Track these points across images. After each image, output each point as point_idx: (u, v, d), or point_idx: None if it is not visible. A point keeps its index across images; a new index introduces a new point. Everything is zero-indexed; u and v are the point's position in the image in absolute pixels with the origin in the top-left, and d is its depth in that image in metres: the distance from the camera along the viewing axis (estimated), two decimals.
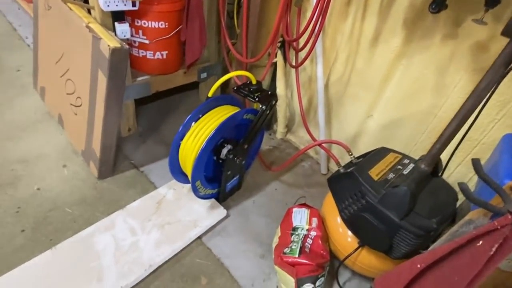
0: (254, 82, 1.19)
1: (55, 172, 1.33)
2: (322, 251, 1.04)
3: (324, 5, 1.11)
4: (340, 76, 1.40)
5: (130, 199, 1.27)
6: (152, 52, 1.41)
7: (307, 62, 1.39)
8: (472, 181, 1.15)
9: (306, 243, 1.06)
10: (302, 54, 1.33)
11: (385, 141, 1.36)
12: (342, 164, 1.12)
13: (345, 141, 1.42)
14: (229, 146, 1.13)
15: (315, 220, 1.13)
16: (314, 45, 1.25)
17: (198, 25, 1.38)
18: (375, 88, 1.30)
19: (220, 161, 1.16)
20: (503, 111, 0.99)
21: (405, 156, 1.08)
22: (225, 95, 1.23)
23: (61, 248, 1.05)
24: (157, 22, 1.32)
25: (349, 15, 1.26)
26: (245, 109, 1.14)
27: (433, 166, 0.90)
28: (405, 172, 0.99)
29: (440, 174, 1.03)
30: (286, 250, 1.04)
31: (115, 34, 1.21)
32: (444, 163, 1.05)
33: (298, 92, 1.46)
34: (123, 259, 1.05)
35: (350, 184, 0.99)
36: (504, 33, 0.69)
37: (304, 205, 1.21)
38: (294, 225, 1.13)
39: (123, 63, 1.12)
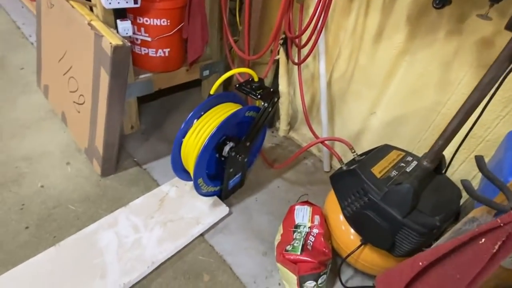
0: (256, 79, 1.19)
1: (59, 169, 1.33)
2: (324, 249, 1.04)
3: (327, 1, 1.10)
4: (343, 73, 1.39)
5: (133, 196, 1.27)
6: (154, 50, 1.41)
7: (309, 59, 1.38)
8: (476, 178, 1.14)
9: (308, 241, 1.05)
10: (305, 51, 1.32)
11: (388, 138, 1.35)
12: (345, 162, 1.11)
13: (348, 139, 1.42)
14: (231, 144, 1.13)
15: (317, 218, 1.12)
16: (316, 42, 1.24)
17: (200, 22, 1.38)
18: (378, 85, 1.29)
19: (222, 159, 1.16)
20: (508, 107, 0.98)
21: (408, 153, 1.07)
22: (227, 93, 1.23)
23: (65, 245, 1.06)
24: (159, 20, 1.32)
25: (352, 11, 1.25)
26: (247, 107, 1.14)
27: (436, 163, 0.89)
28: (408, 169, 0.98)
29: (443, 171, 1.02)
30: (288, 247, 1.04)
31: (117, 32, 1.21)
32: (447, 161, 1.04)
33: (301, 89, 1.46)
34: (126, 256, 1.06)
35: (353, 181, 0.98)
36: (508, 27, 0.68)
37: (306, 202, 1.21)
38: (296, 222, 1.13)
39: (125, 60, 1.12)
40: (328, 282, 1.10)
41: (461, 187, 0.81)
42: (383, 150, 1.08)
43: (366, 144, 1.44)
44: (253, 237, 1.23)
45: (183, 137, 1.12)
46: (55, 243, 1.06)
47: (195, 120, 1.12)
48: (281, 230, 1.16)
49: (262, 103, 1.15)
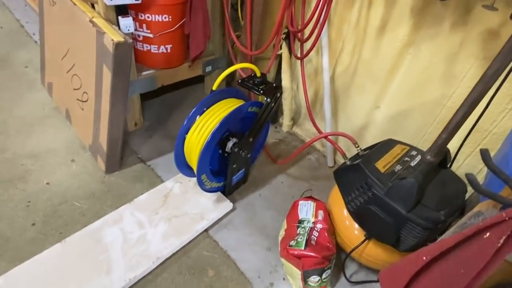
0: (258, 74, 1.18)
1: (64, 166, 1.35)
2: (328, 244, 1.04)
3: None
4: (347, 67, 1.38)
5: (137, 192, 1.28)
6: (156, 46, 1.41)
7: (312, 53, 1.37)
8: (482, 172, 1.13)
9: (312, 236, 1.05)
10: (307, 45, 1.31)
11: (392, 132, 1.33)
12: (349, 157, 1.10)
13: (351, 133, 1.40)
14: (234, 139, 1.13)
15: (321, 213, 1.12)
16: (319, 36, 1.23)
17: (201, 18, 1.37)
18: (382, 78, 1.27)
19: (226, 155, 1.16)
20: None
21: (412, 147, 1.06)
22: (230, 88, 1.22)
23: (71, 241, 1.07)
24: (160, 16, 1.32)
25: (355, 4, 1.24)
26: (250, 102, 1.14)
27: (440, 157, 0.88)
28: (413, 164, 0.97)
29: (448, 165, 1.01)
30: (292, 242, 1.04)
31: (119, 29, 1.21)
32: (453, 155, 1.03)
33: (304, 84, 1.45)
34: (131, 252, 1.07)
35: (357, 176, 0.97)
36: None
37: (310, 198, 1.21)
38: (300, 217, 1.12)
39: (127, 57, 1.12)
40: (333, 277, 1.10)
41: (466, 181, 0.80)
42: (387, 145, 1.07)
43: (370, 139, 1.43)
44: (257, 232, 1.23)
45: (186, 133, 1.12)
46: (61, 240, 1.07)
47: (198, 116, 1.12)
48: (285, 225, 1.16)
49: (265, 99, 1.15)
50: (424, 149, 1.00)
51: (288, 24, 1.29)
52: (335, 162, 1.59)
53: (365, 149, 1.10)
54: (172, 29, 1.38)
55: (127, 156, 1.44)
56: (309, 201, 1.17)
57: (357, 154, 1.09)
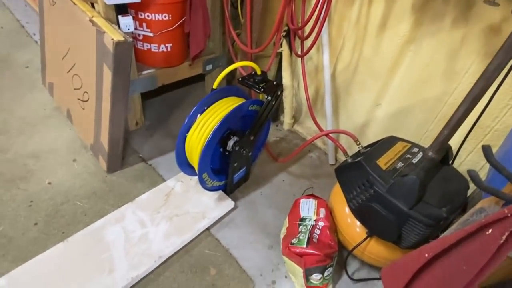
0: (259, 72, 1.18)
1: (66, 166, 1.35)
2: (330, 242, 1.04)
3: None
4: (347, 64, 1.37)
5: (139, 192, 1.28)
6: (156, 45, 1.41)
7: (313, 51, 1.36)
8: (484, 169, 1.12)
9: (314, 234, 1.05)
10: (308, 43, 1.30)
11: (394, 129, 1.33)
12: (350, 154, 1.10)
13: (353, 131, 1.40)
14: (235, 138, 1.13)
15: (322, 211, 1.12)
16: (319, 33, 1.23)
17: (201, 16, 1.37)
18: (383, 75, 1.27)
19: (227, 153, 1.16)
20: None
21: (414, 144, 1.06)
22: (230, 86, 1.22)
23: (73, 241, 1.07)
24: (160, 14, 1.32)
25: (355, 1, 1.23)
26: (250, 100, 1.13)
27: (441, 153, 0.88)
28: (414, 161, 0.97)
29: (451, 162, 1.01)
30: (294, 240, 1.04)
31: (119, 28, 1.21)
32: (455, 151, 1.03)
33: (305, 82, 1.44)
34: (133, 251, 1.07)
35: (358, 174, 0.97)
36: None
37: (311, 195, 1.20)
38: (301, 215, 1.12)
39: (127, 56, 1.12)
40: (335, 274, 1.10)
41: (468, 178, 0.80)
42: (388, 142, 1.07)
43: (371, 136, 1.43)
44: (258, 230, 1.23)
45: (187, 132, 1.12)
46: (63, 239, 1.07)
47: (199, 115, 1.12)
48: (286, 224, 1.16)
49: (266, 97, 1.14)
50: (426, 146, 0.99)
51: (288, 21, 1.29)
52: (336, 160, 1.59)
53: (366, 147, 1.10)
54: (172, 27, 1.37)
55: (129, 155, 1.44)
56: (311, 199, 1.17)
57: (359, 151, 1.08)
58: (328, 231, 1.06)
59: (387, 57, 1.22)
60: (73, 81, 1.37)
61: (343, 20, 1.30)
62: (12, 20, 2.29)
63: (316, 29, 1.21)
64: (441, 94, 1.13)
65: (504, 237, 0.40)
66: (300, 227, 1.09)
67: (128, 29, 1.23)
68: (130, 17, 1.23)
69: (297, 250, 1.01)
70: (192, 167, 1.22)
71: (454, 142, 0.96)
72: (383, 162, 0.96)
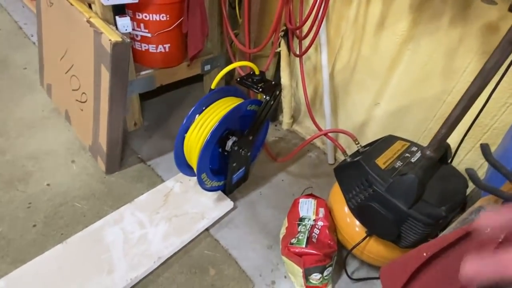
0: (257, 72, 1.18)
1: (64, 167, 1.35)
2: (329, 241, 1.04)
3: None
4: (346, 63, 1.37)
5: (137, 192, 1.28)
6: (154, 46, 1.40)
7: (311, 50, 1.36)
8: (483, 167, 1.12)
9: (313, 233, 1.05)
10: (306, 42, 1.30)
11: (392, 129, 1.33)
12: (349, 154, 1.10)
13: (352, 130, 1.40)
14: (234, 138, 1.13)
15: (322, 210, 1.12)
16: (317, 33, 1.23)
17: (199, 16, 1.37)
18: (381, 74, 1.27)
19: (226, 153, 1.16)
20: None
21: (413, 143, 1.06)
22: (229, 87, 1.22)
23: (72, 242, 1.07)
24: (158, 15, 1.31)
25: (353, 0, 1.23)
26: (249, 100, 1.13)
27: (440, 152, 0.88)
28: (413, 160, 0.97)
29: (449, 161, 1.01)
30: (293, 240, 1.04)
31: (117, 28, 1.20)
32: (453, 150, 1.03)
33: (303, 81, 1.44)
34: (132, 252, 1.07)
35: (357, 173, 0.97)
36: (511, 9, 0.66)
37: (311, 195, 1.20)
38: (301, 215, 1.12)
39: (125, 57, 1.12)
40: (334, 274, 1.10)
41: (467, 176, 0.79)
42: (387, 141, 1.07)
43: (370, 135, 1.43)
44: (258, 230, 1.23)
45: (186, 132, 1.12)
46: (62, 240, 1.07)
47: (197, 115, 1.11)
48: (285, 223, 1.16)
49: (264, 97, 1.14)
50: (425, 144, 0.99)
51: (286, 21, 1.29)
52: (335, 159, 1.59)
53: (365, 146, 1.10)
54: (170, 28, 1.37)
55: (127, 156, 1.44)
56: (310, 199, 1.17)
57: (357, 151, 1.08)
58: (327, 231, 1.06)
59: (385, 56, 1.22)
60: (71, 82, 1.36)
61: (341, 19, 1.30)
62: (10, 22, 2.29)
63: (314, 28, 1.21)
64: (440, 92, 1.13)
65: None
66: (299, 227, 1.09)
67: (126, 29, 1.23)
68: (128, 18, 1.23)
69: (297, 250, 1.01)
70: (191, 168, 1.22)
71: (453, 141, 0.96)
72: (382, 161, 0.96)
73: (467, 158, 1.15)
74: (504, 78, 0.83)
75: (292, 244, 1.03)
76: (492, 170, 0.68)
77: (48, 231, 1.13)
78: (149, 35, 1.36)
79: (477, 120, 0.93)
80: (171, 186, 1.31)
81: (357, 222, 1.04)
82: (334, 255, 1.05)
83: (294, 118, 1.75)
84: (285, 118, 1.69)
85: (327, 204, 1.16)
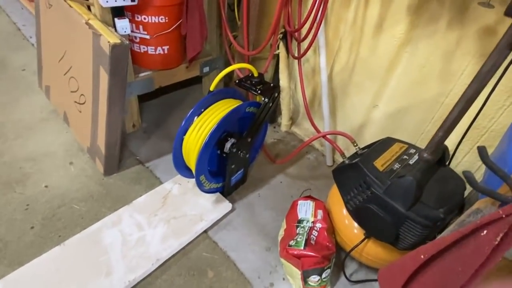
0: (256, 74, 1.18)
1: (62, 169, 1.34)
2: (327, 243, 1.04)
3: None
4: (344, 66, 1.38)
5: (136, 194, 1.28)
6: (153, 47, 1.41)
7: (310, 52, 1.37)
8: (481, 170, 1.13)
9: (312, 235, 1.05)
10: (305, 44, 1.31)
11: (391, 131, 1.33)
12: (347, 155, 1.10)
13: (350, 132, 1.41)
14: (232, 140, 1.13)
15: (320, 212, 1.12)
16: (316, 35, 1.23)
17: (198, 18, 1.37)
18: (380, 77, 1.27)
19: (224, 155, 1.16)
20: None
21: (411, 145, 1.06)
22: (227, 89, 1.22)
23: (70, 244, 1.07)
24: (157, 17, 1.32)
25: (351, 3, 1.24)
26: (247, 102, 1.13)
27: (437, 154, 0.88)
28: (411, 162, 0.97)
29: (447, 163, 1.01)
30: (292, 242, 1.04)
31: (115, 30, 1.21)
32: (451, 152, 1.03)
33: (302, 83, 1.45)
34: (131, 254, 1.06)
35: (355, 175, 0.97)
36: (507, 13, 0.66)
37: (309, 197, 1.21)
38: (299, 217, 1.12)
39: (123, 59, 1.12)
40: (333, 276, 1.10)
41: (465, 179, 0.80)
42: (385, 143, 1.07)
43: (368, 137, 1.43)
44: (256, 232, 1.23)
45: (184, 134, 1.12)
46: (60, 242, 1.07)
47: (196, 117, 1.11)
48: (284, 225, 1.16)
49: (263, 99, 1.14)
50: (423, 146, 0.99)
51: (285, 23, 1.29)
52: (334, 161, 1.59)
53: (363, 148, 1.10)
54: (169, 30, 1.38)
55: (126, 158, 1.44)
56: (308, 201, 1.17)
57: (356, 153, 1.08)
58: (325, 233, 1.06)
59: (383, 58, 1.23)
60: (69, 83, 1.36)
61: (340, 21, 1.30)
62: (9, 23, 2.28)
63: (313, 31, 1.21)
64: (438, 95, 1.13)
65: (498, 238, 0.40)
66: (298, 229, 1.09)
67: (125, 31, 1.23)
68: (127, 20, 1.23)
69: (295, 252, 1.01)
70: (190, 170, 1.22)
71: (450, 143, 0.96)
72: (380, 163, 0.97)
73: (465, 160, 1.16)
74: (501, 81, 0.83)
75: (290, 246, 1.03)
76: (490, 172, 0.68)
77: (46, 233, 1.12)
78: (148, 37, 1.37)
79: (474, 122, 0.94)
80: (169, 188, 1.30)
81: (356, 224, 1.04)
82: (333, 257, 1.05)
83: (293, 120, 1.75)
84: (284, 120, 1.69)
85: (325, 206, 1.17)
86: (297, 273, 1.02)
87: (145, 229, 1.14)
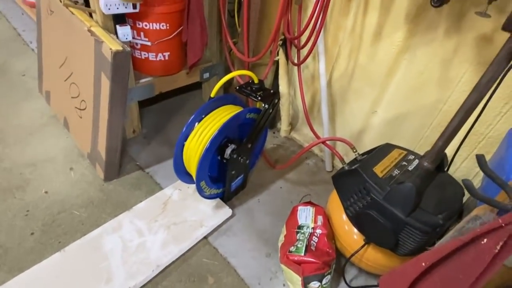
0: (256, 81, 1.19)
1: (62, 175, 1.34)
2: (328, 249, 1.04)
3: (325, 1, 1.10)
4: (343, 72, 1.39)
5: (136, 200, 1.28)
6: (154, 54, 1.42)
7: (309, 59, 1.38)
8: (479, 176, 1.14)
9: (312, 241, 1.06)
10: (304, 51, 1.32)
11: (389, 137, 1.35)
12: (347, 161, 1.11)
13: (349, 138, 1.42)
14: (233, 146, 1.13)
15: (320, 218, 1.13)
16: (315, 42, 1.25)
17: (199, 25, 1.38)
18: (378, 83, 1.29)
19: (224, 161, 1.16)
20: (509, 104, 0.98)
21: (410, 152, 1.07)
22: (228, 95, 1.23)
23: (70, 250, 1.07)
24: (158, 24, 1.33)
25: (350, 11, 1.25)
26: (248, 109, 1.14)
27: (436, 163, 0.89)
28: (410, 168, 0.98)
29: (446, 169, 1.02)
30: (292, 248, 1.04)
31: (117, 37, 1.22)
32: (450, 158, 1.04)
33: (301, 89, 1.46)
34: (131, 260, 1.06)
35: (355, 181, 0.98)
36: (505, 27, 0.68)
37: (309, 203, 1.21)
38: (299, 223, 1.13)
39: (125, 65, 1.13)
40: (333, 282, 1.10)
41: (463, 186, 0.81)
42: (384, 149, 1.08)
43: (367, 143, 1.44)
44: (256, 238, 1.23)
45: (185, 140, 1.13)
46: (60, 249, 1.06)
47: (197, 123, 1.12)
48: (284, 231, 1.16)
49: (263, 105, 1.15)
50: (422, 152, 1.01)
51: (285, 31, 1.31)
52: (333, 167, 1.60)
53: (363, 154, 1.11)
54: (170, 37, 1.39)
55: (126, 163, 1.44)
56: (308, 207, 1.18)
57: (355, 159, 1.09)
58: (326, 239, 1.06)
59: (382, 65, 1.24)
60: (70, 89, 1.37)
61: (339, 29, 1.32)
62: (9, 28, 2.29)
63: (312, 38, 1.23)
64: (436, 101, 1.15)
65: (498, 247, 0.41)
66: (298, 234, 1.09)
67: (126, 38, 1.24)
68: (128, 27, 1.24)
69: (295, 258, 1.02)
70: (190, 175, 1.23)
71: (449, 149, 0.97)
72: (380, 169, 0.97)
73: (463, 166, 1.17)
74: (499, 89, 0.84)
75: (291, 252, 1.04)
76: (487, 179, 0.69)
77: (46, 239, 1.12)
78: (149, 43, 1.38)
79: (472, 129, 0.95)
80: (169, 194, 1.31)
81: (355, 230, 1.04)
82: (333, 263, 1.06)
83: (292, 126, 1.76)
84: (283, 125, 1.70)
85: (325, 211, 1.17)
86: (298, 279, 1.02)
87: (146, 235, 1.15)
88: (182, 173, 1.21)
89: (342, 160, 1.13)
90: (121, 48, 1.08)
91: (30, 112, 1.62)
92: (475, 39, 0.98)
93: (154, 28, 1.34)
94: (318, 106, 1.57)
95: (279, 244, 1.16)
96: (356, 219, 1.01)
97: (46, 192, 1.27)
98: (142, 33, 1.35)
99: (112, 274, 1.02)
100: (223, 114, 1.14)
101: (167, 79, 1.53)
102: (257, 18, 1.41)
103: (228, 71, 1.68)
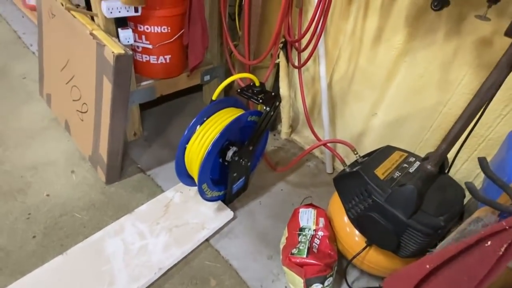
0: (257, 84, 1.20)
1: (64, 178, 1.34)
2: (330, 251, 1.05)
3: (326, 5, 1.11)
4: (344, 75, 1.40)
5: (138, 203, 1.28)
6: (155, 57, 1.42)
7: (309, 62, 1.38)
8: (480, 177, 1.14)
9: (314, 243, 1.06)
10: (305, 54, 1.33)
11: (390, 139, 1.35)
12: (348, 163, 1.12)
13: (350, 140, 1.42)
14: (234, 148, 1.14)
15: (322, 220, 1.13)
16: (316, 45, 1.25)
17: (200, 28, 1.39)
18: (379, 86, 1.30)
19: (226, 163, 1.16)
20: (509, 106, 0.99)
21: (410, 154, 1.08)
22: (229, 98, 1.23)
23: (72, 253, 1.07)
24: (159, 27, 1.33)
25: (350, 14, 1.26)
26: (249, 111, 1.15)
27: (439, 166, 0.90)
28: (411, 170, 0.99)
29: (446, 171, 1.03)
30: (294, 250, 1.05)
31: (119, 40, 1.22)
32: (450, 160, 1.05)
33: (302, 92, 1.46)
34: (133, 263, 1.06)
35: (356, 183, 0.99)
36: (507, 33, 0.69)
37: (310, 205, 1.21)
38: (301, 225, 1.13)
39: (127, 69, 1.13)
40: (335, 284, 1.10)
41: (464, 186, 0.81)
42: (385, 151, 1.08)
43: (368, 145, 1.45)
44: (258, 240, 1.24)
45: (187, 143, 1.13)
46: (62, 252, 1.06)
47: (198, 126, 1.13)
48: (286, 233, 1.17)
49: (264, 107, 1.16)
50: (422, 154, 1.01)
51: (285, 34, 1.31)
52: (334, 169, 1.61)
53: (363, 156, 1.11)
54: (171, 40, 1.39)
55: (127, 166, 1.44)
56: (310, 209, 1.18)
57: (356, 161, 1.10)
58: (327, 241, 1.07)
59: (382, 67, 1.25)
60: (71, 92, 1.37)
61: (339, 32, 1.33)
62: (9, 31, 2.29)
63: (313, 41, 1.23)
64: (436, 104, 1.16)
65: (502, 249, 0.42)
66: (300, 237, 1.10)
67: (128, 41, 1.24)
68: (130, 30, 1.24)
69: (298, 260, 1.02)
70: (191, 178, 1.23)
71: (450, 151, 0.98)
72: (381, 171, 0.98)
73: (463, 168, 1.17)
74: (499, 91, 0.85)
75: (293, 254, 1.04)
76: (489, 180, 0.70)
77: (48, 242, 1.12)
78: (150, 46, 1.38)
79: (473, 131, 0.95)
80: (171, 196, 1.31)
81: (357, 232, 1.05)
82: (335, 265, 1.06)
83: (293, 128, 1.76)
84: (284, 127, 1.70)
85: (326, 213, 1.18)
86: (300, 281, 1.02)
87: (147, 238, 1.15)
88: (184, 176, 1.22)
89: (343, 162, 1.14)
90: (123, 52, 1.08)
91: (31, 115, 1.62)
92: (474, 42, 0.99)
93: (156, 31, 1.34)
94: (318, 108, 1.58)
95: (281, 246, 1.16)
96: (358, 221, 1.01)
97: (47, 195, 1.27)
98: (143, 36, 1.36)
99: (114, 277, 1.02)
100: (224, 117, 1.14)
101: (168, 81, 1.53)
102: (258, 21, 1.42)
103: (228, 73, 1.69)
